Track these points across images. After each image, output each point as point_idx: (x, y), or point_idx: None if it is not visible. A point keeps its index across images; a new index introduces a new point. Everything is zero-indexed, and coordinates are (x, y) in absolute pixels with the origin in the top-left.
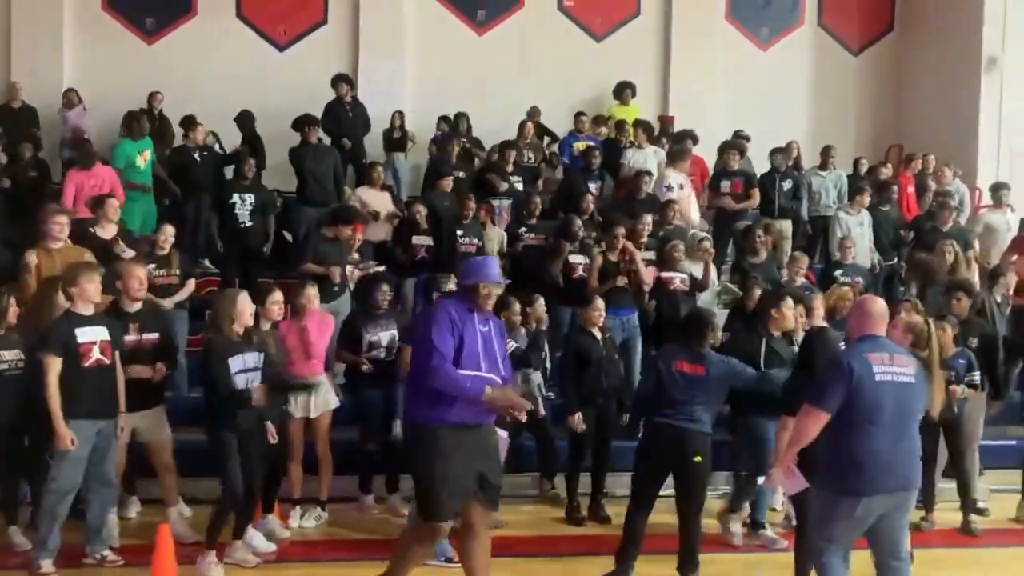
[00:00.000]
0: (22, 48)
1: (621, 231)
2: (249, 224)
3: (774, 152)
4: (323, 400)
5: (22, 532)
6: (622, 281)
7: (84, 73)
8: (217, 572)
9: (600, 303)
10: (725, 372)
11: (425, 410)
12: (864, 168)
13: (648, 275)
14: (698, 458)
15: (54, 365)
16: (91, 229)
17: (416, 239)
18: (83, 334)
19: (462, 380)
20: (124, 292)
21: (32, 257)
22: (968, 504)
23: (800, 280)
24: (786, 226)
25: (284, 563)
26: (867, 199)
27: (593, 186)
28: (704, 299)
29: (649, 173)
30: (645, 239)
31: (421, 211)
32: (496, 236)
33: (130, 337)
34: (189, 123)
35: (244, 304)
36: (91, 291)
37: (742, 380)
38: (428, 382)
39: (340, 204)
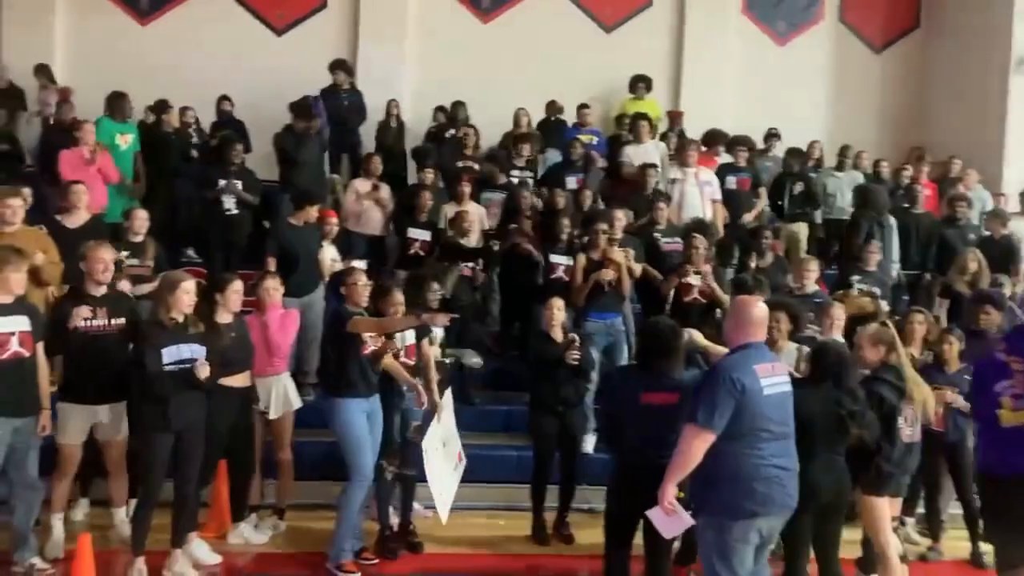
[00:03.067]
0: (13, 27)
1: (603, 227)
2: (235, 212)
3: (789, 153)
4: (283, 400)
5: None
6: (608, 274)
7: (75, 53)
8: None
9: (557, 302)
10: None
11: None
12: (885, 171)
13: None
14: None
15: None
16: (56, 217)
17: (412, 232)
18: (1, 324)
19: None
20: (88, 275)
21: None
22: (978, 534)
23: (811, 287)
24: (800, 230)
25: None
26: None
27: (573, 179)
28: None
29: (654, 166)
30: (619, 235)
31: (427, 198)
32: (475, 213)
33: (98, 321)
34: (162, 107)
35: (182, 291)
36: (15, 281)
37: None
38: None
39: (301, 188)
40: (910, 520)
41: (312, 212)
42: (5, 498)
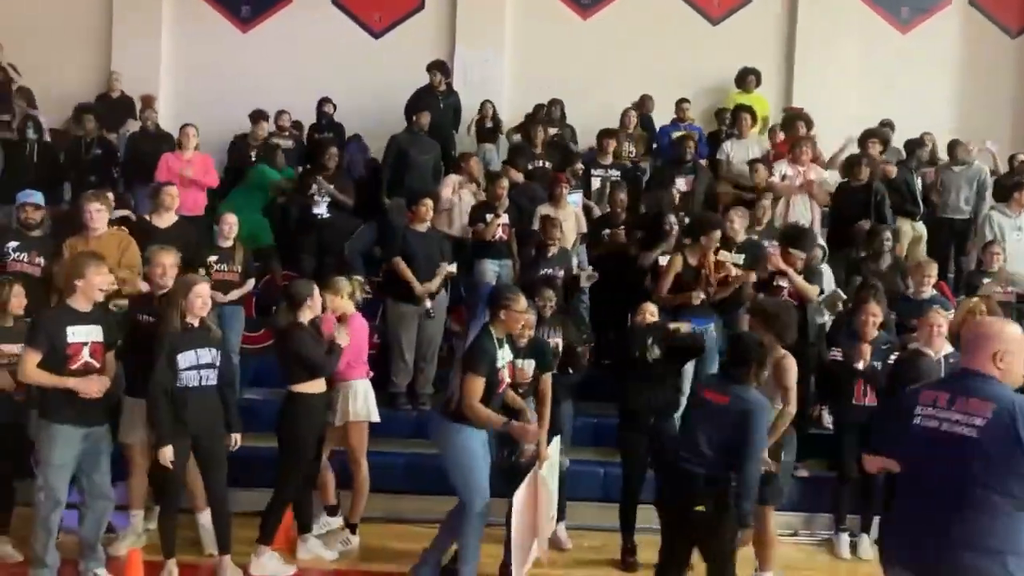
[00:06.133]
0: (123, 37)
1: (718, 235)
2: (327, 216)
3: (911, 144)
4: (353, 409)
5: (11, 544)
6: (697, 299)
7: (180, 60)
8: None
9: (649, 307)
10: None
11: None
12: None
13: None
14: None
15: (31, 358)
16: (147, 217)
17: (491, 218)
18: (74, 333)
19: None
20: (149, 278)
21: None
22: None
23: (929, 291)
24: (921, 228)
25: None
26: None
27: (682, 180)
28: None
29: (759, 162)
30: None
31: (503, 185)
32: (571, 214)
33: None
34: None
35: (196, 294)
36: (98, 284)
37: None
38: None
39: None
40: None
41: (426, 211)
42: (77, 504)
